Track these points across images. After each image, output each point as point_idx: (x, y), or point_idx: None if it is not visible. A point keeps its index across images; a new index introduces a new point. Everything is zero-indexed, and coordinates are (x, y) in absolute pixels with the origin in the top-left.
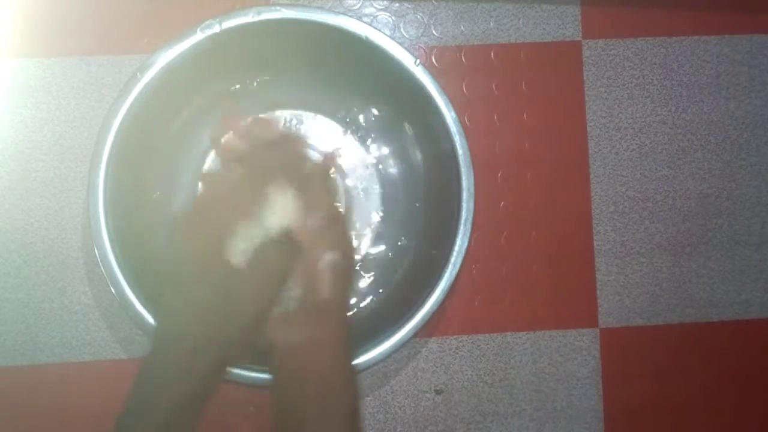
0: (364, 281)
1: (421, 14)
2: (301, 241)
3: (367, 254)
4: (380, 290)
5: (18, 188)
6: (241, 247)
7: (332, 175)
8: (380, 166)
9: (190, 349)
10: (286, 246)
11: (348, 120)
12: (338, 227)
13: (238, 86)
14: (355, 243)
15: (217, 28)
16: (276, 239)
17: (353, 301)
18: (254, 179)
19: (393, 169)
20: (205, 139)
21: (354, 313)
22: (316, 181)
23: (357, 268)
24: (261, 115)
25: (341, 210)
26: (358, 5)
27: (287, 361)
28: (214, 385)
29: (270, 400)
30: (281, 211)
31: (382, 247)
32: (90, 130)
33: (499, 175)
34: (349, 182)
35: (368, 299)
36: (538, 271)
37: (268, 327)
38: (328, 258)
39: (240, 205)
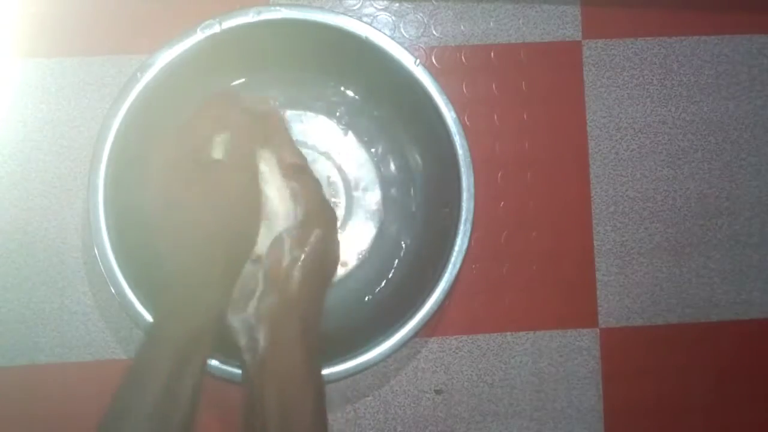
0: (364, 280)
1: (421, 14)
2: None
3: (367, 254)
4: (379, 290)
5: (18, 188)
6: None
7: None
8: (380, 166)
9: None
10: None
11: (348, 120)
12: (320, 224)
13: (238, 85)
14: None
15: (217, 28)
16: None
17: (353, 300)
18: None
19: (393, 169)
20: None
21: (353, 313)
22: (300, 174)
23: (339, 266)
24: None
25: (324, 206)
26: (358, 5)
27: (249, 358)
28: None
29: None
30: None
31: (382, 247)
32: (90, 130)
33: (499, 175)
34: (348, 182)
35: (367, 299)
36: (538, 271)
37: (235, 326)
38: (298, 255)
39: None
